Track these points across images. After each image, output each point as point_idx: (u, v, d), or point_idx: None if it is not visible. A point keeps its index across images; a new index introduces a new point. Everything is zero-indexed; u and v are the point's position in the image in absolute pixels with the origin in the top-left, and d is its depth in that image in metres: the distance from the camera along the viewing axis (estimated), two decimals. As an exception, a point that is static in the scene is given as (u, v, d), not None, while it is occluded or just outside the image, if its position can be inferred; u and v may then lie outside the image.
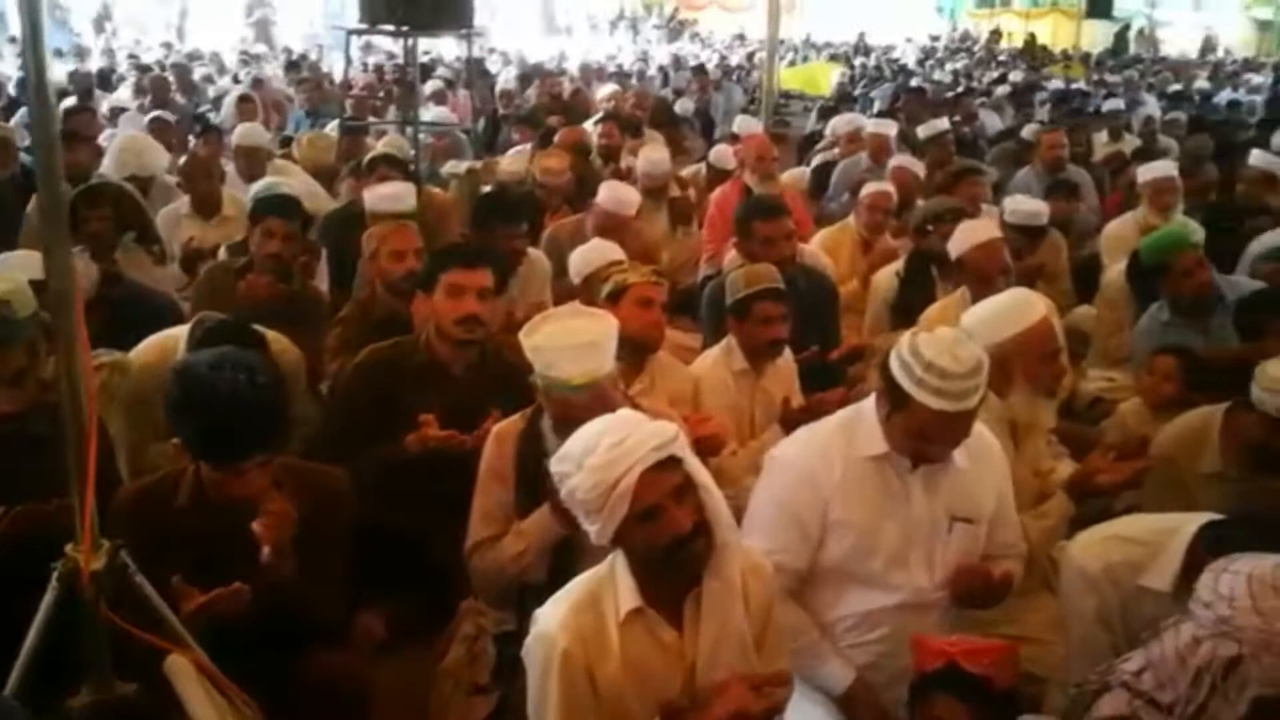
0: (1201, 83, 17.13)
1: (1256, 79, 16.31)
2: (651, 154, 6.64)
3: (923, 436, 2.51)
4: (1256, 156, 6.65)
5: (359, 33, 7.96)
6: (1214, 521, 2.37)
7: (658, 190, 6.55)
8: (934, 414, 2.43)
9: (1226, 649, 1.62)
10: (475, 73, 12.12)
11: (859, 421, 2.66)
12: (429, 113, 9.33)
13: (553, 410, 2.70)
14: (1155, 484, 3.13)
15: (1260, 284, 4.58)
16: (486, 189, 7.12)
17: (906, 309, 4.66)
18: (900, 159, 6.45)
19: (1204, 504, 3.04)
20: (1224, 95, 15.54)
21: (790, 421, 3.39)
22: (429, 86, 10.68)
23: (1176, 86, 15.34)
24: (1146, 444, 3.13)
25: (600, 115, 8.69)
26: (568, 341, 2.61)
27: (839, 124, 7.96)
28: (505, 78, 14.30)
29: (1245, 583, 1.64)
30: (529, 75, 13.61)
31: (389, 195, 5.03)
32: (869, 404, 2.65)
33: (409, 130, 7.62)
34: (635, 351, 3.41)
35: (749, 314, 3.63)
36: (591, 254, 4.23)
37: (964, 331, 3.07)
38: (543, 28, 24.79)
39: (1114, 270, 5.16)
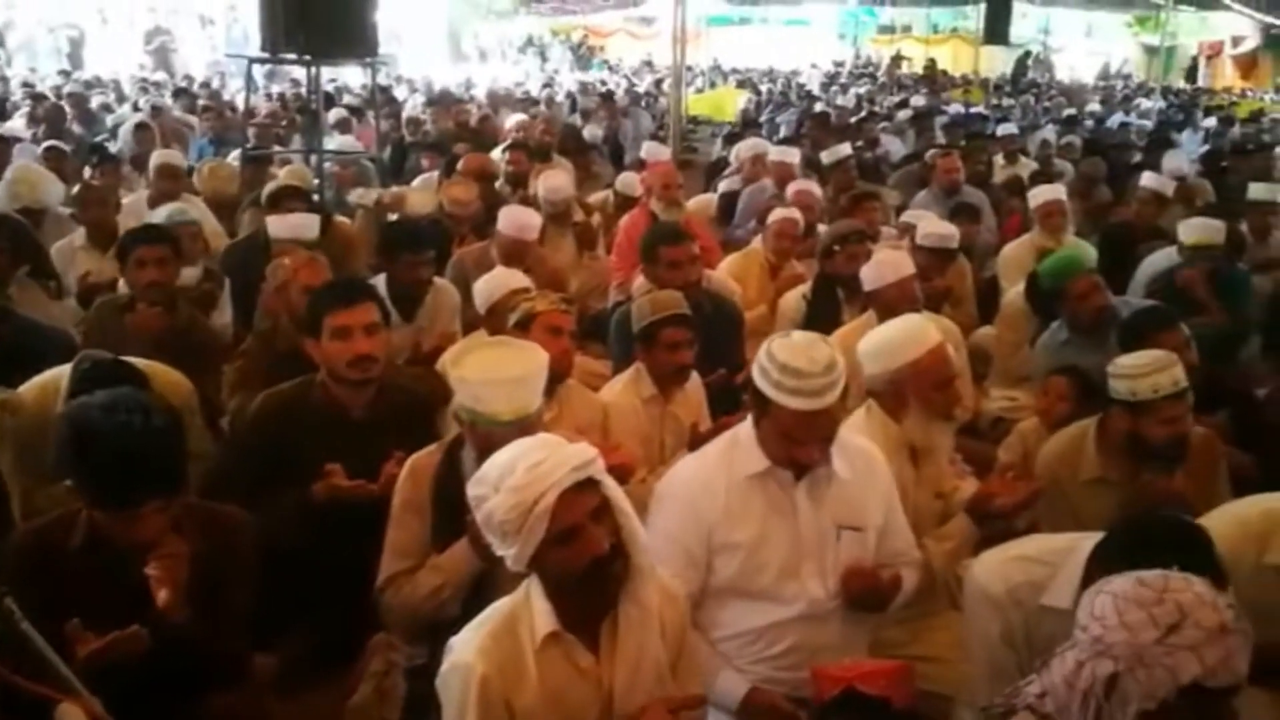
0: (1094, 106, 17.68)
1: (1146, 103, 16.88)
2: (551, 180, 6.63)
3: (790, 438, 2.57)
4: (1148, 179, 6.88)
5: (261, 61, 7.86)
6: (1105, 537, 2.43)
7: (561, 215, 6.55)
8: (794, 414, 2.50)
9: (1104, 668, 1.65)
10: (381, 100, 12.05)
11: (738, 443, 2.70)
12: (334, 141, 9.24)
13: (477, 444, 2.66)
14: (1042, 500, 3.20)
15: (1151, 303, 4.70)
16: (394, 217, 7.08)
17: (814, 328, 4.70)
18: (802, 183, 6.52)
19: (1088, 511, 3.19)
20: (1116, 118, 16.08)
21: (699, 446, 3.40)
22: (333, 115, 10.56)
23: (1071, 111, 15.82)
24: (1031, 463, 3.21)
25: (508, 143, 8.65)
26: (497, 375, 2.59)
27: (743, 149, 8.03)
28: (412, 104, 14.23)
29: (1112, 600, 1.68)
30: (436, 102, 13.52)
31: (294, 224, 4.98)
32: (747, 425, 2.70)
33: (314, 159, 7.55)
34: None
35: (656, 340, 3.64)
36: (496, 281, 4.17)
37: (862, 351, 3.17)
38: (450, 54, 24.67)
39: (1013, 292, 5.29)
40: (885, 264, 4.31)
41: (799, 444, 2.56)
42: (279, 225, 4.98)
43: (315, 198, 6.34)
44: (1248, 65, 28.78)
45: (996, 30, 17.85)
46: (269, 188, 6.11)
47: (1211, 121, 15.86)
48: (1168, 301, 4.92)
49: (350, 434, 3.25)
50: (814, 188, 6.52)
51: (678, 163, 8.90)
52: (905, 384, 3.09)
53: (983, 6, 18.47)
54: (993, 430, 4.82)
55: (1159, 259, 5.79)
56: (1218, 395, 3.29)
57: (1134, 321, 4.02)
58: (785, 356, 2.49)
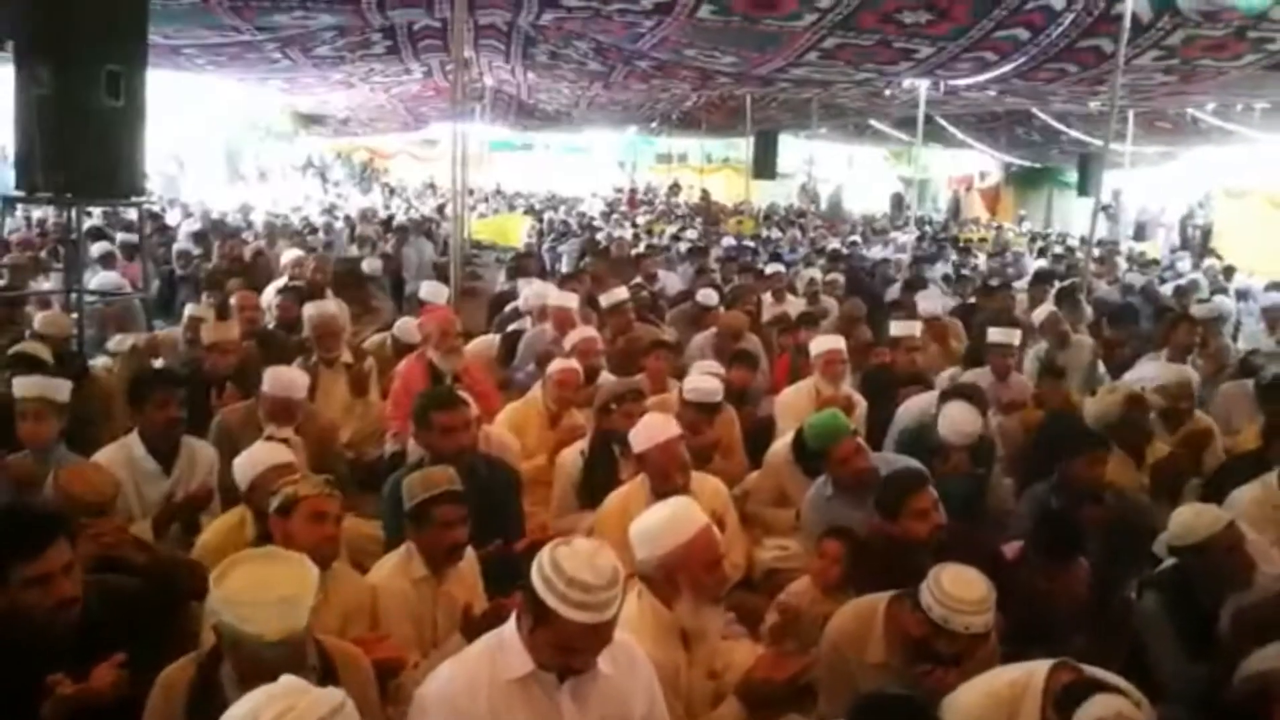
0: (855, 238, 18.77)
1: (903, 237, 17.98)
2: (316, 307, 6.59)
3: (569, 649, 2.58)
4: (900, 327, 7.12)
5: (16, 200, 7.47)
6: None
7: (331, 343, 6.46)
8: (579, 626, 2.51)
9: None
10: (153, 228, 11.63)
11: (501, 645, 2.69)
12: (97, 278, 8.82)
13: (239, 663, 2.55)
14: (827, 674, 3.27)
15: (908, 460, 4.92)
16: (158, 363, 6.79)
17: (592, 489, 4.75)
18: (584, 331, 6.58)
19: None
20: (876, 250, 17.10)
21: (472, 630, 3.35)
22: (97, 249, 10.09)
23: (834, 244, 16.70)
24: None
25: (280, 286, 8.45)
26: (264, 596, 2.50)
27: (530, 296, 8.07)
28: (185, 233, 13.76)
29: None
30: (207, 234, 13.12)
31: (42, 385, 4.66)
32: (510, 627, 2.69)
33: (74, 298, 7.17)
34: (309, 567, 3.26)
35: (427, 519, 3.54)
36: (257, 459, 3.98)
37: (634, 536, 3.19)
38: (228, 175, 24.08)
39: (779, 443, 5.45)
40: (651, 426, 4.36)
41: (576, 653, 2.57)
42: (25, 385, 4.67)
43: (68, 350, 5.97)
44: (992, 199, 31.19)
45: (764, 165, 18.75)
46: (12, 350, 5.73)
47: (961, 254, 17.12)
48: (920, 452, 5.21)
49: (66, 644, 2.88)
50: (594, 334, 6.58)
51: (461, 291, 8.91)
52: (676, 568, 3.14)
53: (752, 139, 19.37)
54: (766, 582, 4.86)
55: (914, 407, 6.08)
56: (966, 556, 3.42)
57: (890, 485, 4.21)
58: (571, 568, 2.50)
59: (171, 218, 16.92)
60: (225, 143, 23.59)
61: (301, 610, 2.54)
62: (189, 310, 7.20)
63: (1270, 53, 9.28)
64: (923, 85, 13.07)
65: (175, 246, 11.30)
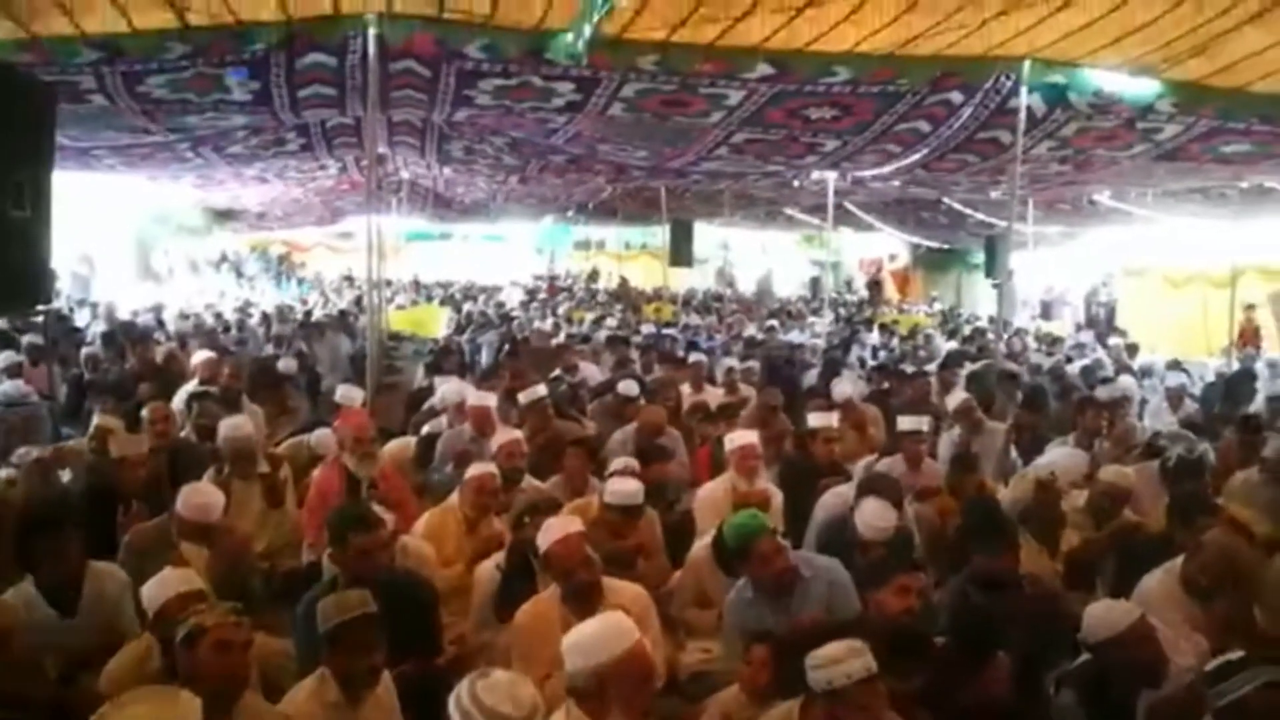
0: (772, 322, 19.00)
1: (820, 324, 18.25)
2: (233, 426, 6.47)
3: None
4: (816, 418, 7.20)
5: (-91, 314, 7.27)
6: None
7: (247, 467, 6.34)
8: None
9: None
10: (59, 330, 11.35)
11: None
12: (1, 387, 8.59)
13: None
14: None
15: (829, 560, 4.92)
16: (65, 474, 6.61)
17: (509, 602, 4.68)
18: (507, 434, 6.52)
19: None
20: (793, 335, 17.32)
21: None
22: (2, 358, 9.80)
23: (751, 332, 16.88)
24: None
25: (192, 393, 8.28)
26: None
27: (447, 394, 8.02)
28: (93, 335, 13.48)
29: None
30: (116, 335, 12.84)
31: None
32: None
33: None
34: (215, 701, 3.16)
35: (342, 644, 3.48)
36: (164, 586, 3.89)
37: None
38: (139, 272, 23.66)
39: (699, 545, 5.44)
40: (553, 525, 4.38)
41: None
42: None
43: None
44: (902, 280, 31.87)
45: (681, 253, 18.98)
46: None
47: (875, 337, 17.42)
48: (840, 545, 5.24)
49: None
50: (519, 436, 6.53)
51: (378, 387, 8.82)
52: (607, 681, 3.13)
53: (668, 228, 19.63)
54: (690, 685, 4.82)
55: (832, 500, 6.12)
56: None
57: (884, 559, 4.26)
58: (491, 701, 2.51)
59: (81, 318, 16.56)
60: (137, 239, 23.21)
61: None
62: (96, 420, 7.03)
63: (1158, 143, 9.70)
64: (830, 176, 13.40)
65: (84, 350, 11.02)
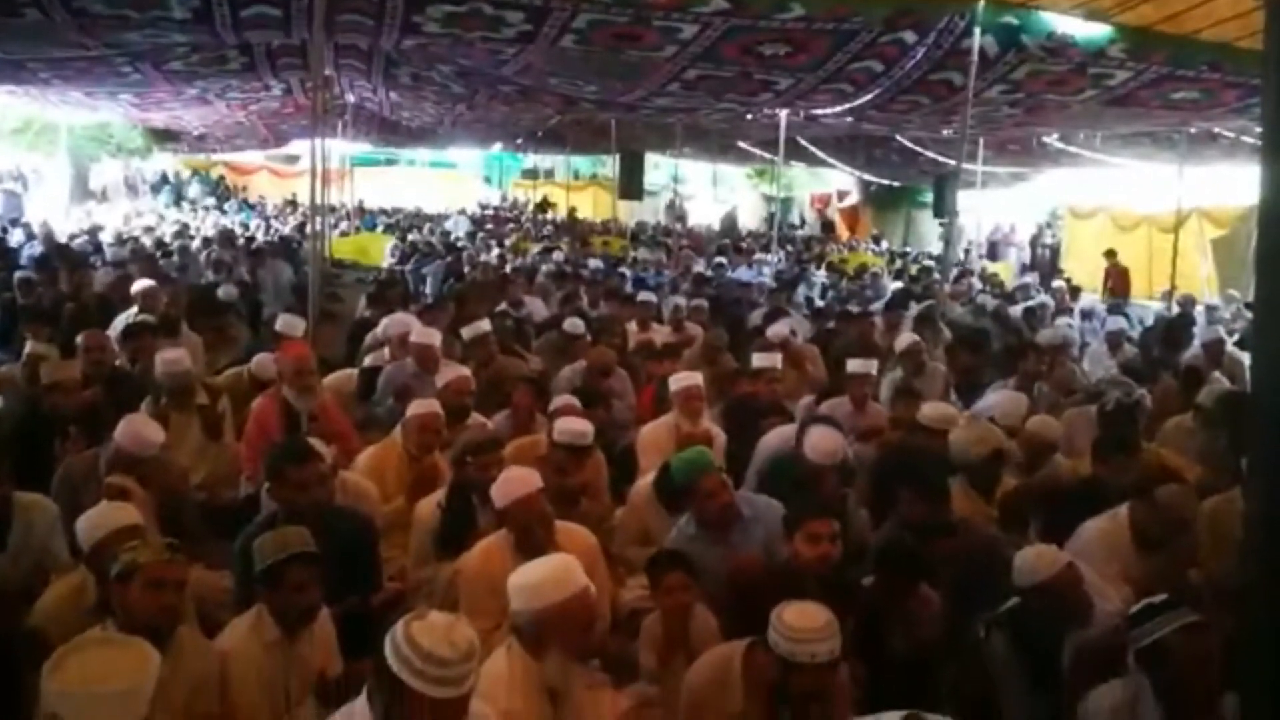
0: (721, 259, 18.94)
1: (769, 260, 18.23)
2: (170, 356, 6.33)
3: None
4: (760, 359, 7.24)
5: None
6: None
7: (184, 398, 6.25)
8: (435, 702, 2.47)
9: None
10: (-11, 252, 11.02)
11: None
12: (-74, 309, 8.36)
13: None
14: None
15: (768, 499, 4.97)
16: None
17: (450, 540, 4.67)
18: (455, 370, 6.45)
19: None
20: (741, 272, 17.27)
21: (326, 695, 3.28)
22: (-76, 280, 9.50)
23: (699, 268, 16.81)
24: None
25: (130, 322, 8.10)
26: (100, 689, 2.41)
27: (391, 325, 7.89)
28: (27, 257, 13.12)
29: None
30: (51, 258, 12.47)
31: None
32: (361, 701, 2.61)
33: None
34: (149, 637, 3.11)
35: (280, 581, 3.42)
36: (101, 520, 3.81)
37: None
38: (77, 193, 23.03)
39: (642, 482, 5.46)
40: (511, 481, 4.25)
41: None
42: None
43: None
44: (851, 217, 31.93)
45: (631, 184, 18.83)
46: None
47: (824, 276, 17.46)
48: (783, 484, 5.27)
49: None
50: (467, 373, 6.45)
51: (319, 315, 8.70)
52: (550, 624, 3.14)
53: (617, 159, 19.48)
54: (629, 623, 4.82)
55: (775, 439, 6.15)
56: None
57: (796, 503, 4.32)
58: (428, 643, 2.45)
59: (14, 239, 16.12)
60: (72, 158, 22.54)
61: (140, 703, 2.45)
62: (29, 347, 6.87)
63: (1109, 89, 9.73)
64: (783, 113, 13.32)
65: (17, 274, 10.70)
